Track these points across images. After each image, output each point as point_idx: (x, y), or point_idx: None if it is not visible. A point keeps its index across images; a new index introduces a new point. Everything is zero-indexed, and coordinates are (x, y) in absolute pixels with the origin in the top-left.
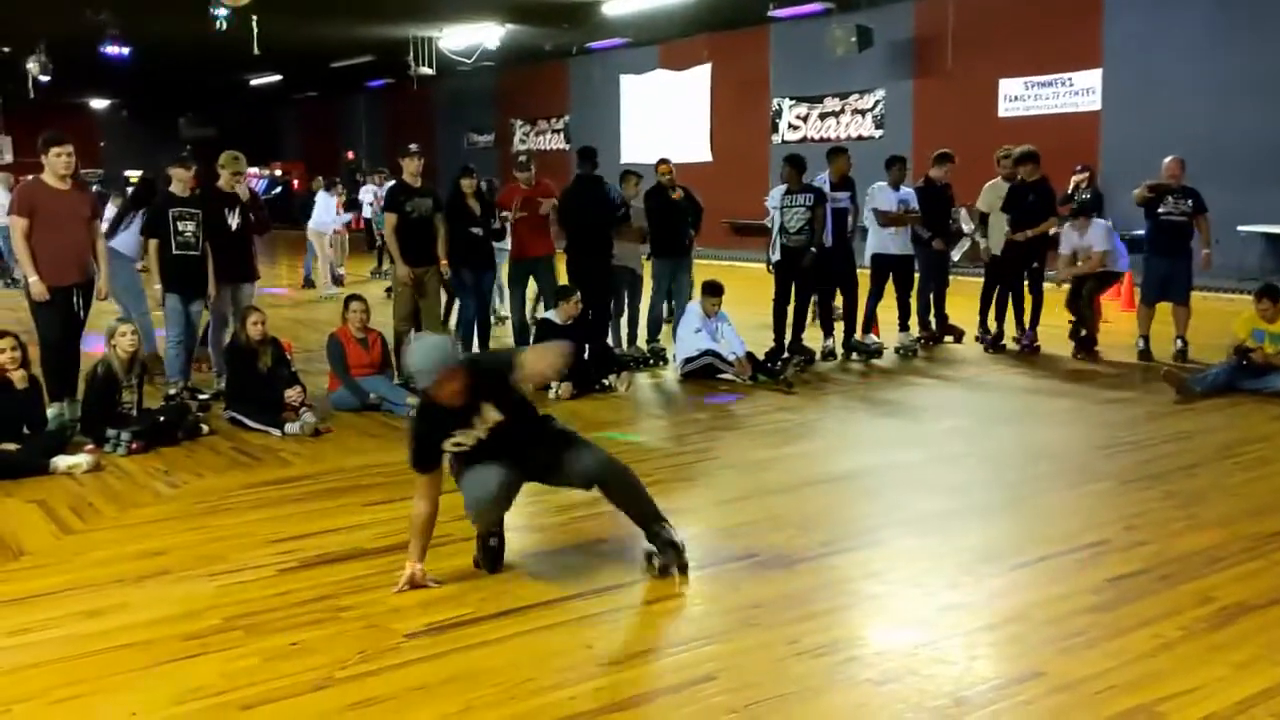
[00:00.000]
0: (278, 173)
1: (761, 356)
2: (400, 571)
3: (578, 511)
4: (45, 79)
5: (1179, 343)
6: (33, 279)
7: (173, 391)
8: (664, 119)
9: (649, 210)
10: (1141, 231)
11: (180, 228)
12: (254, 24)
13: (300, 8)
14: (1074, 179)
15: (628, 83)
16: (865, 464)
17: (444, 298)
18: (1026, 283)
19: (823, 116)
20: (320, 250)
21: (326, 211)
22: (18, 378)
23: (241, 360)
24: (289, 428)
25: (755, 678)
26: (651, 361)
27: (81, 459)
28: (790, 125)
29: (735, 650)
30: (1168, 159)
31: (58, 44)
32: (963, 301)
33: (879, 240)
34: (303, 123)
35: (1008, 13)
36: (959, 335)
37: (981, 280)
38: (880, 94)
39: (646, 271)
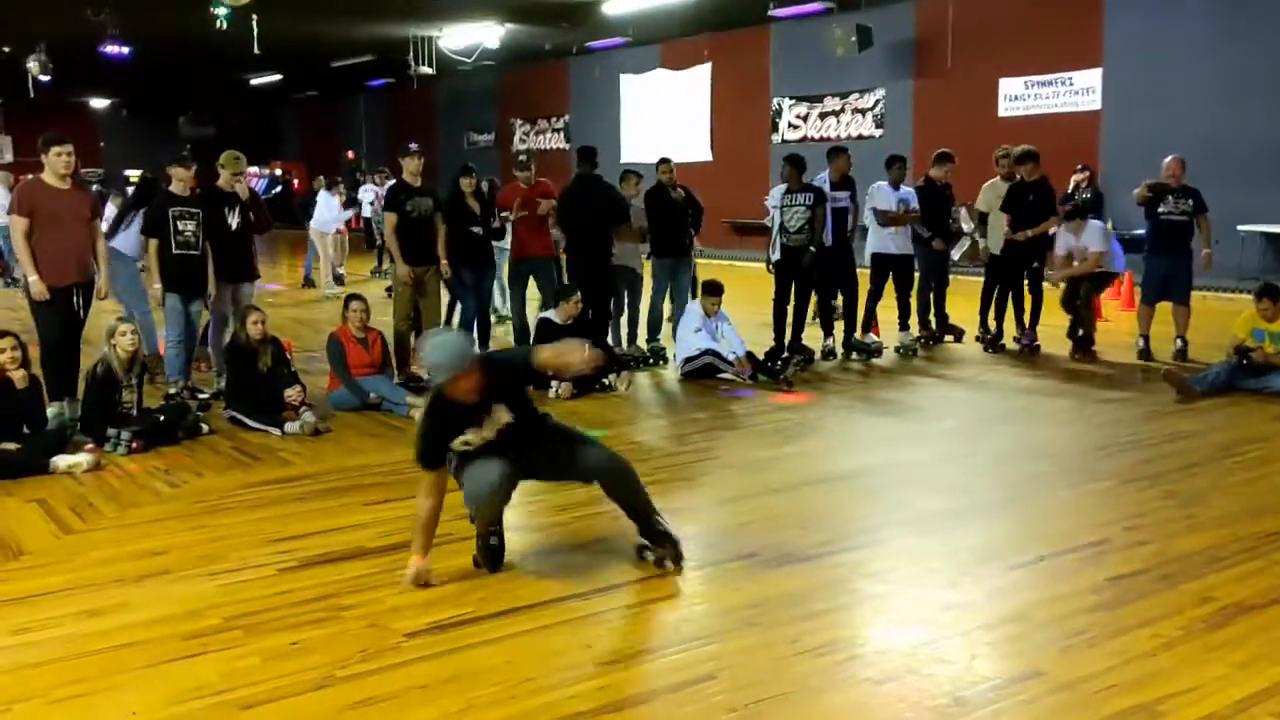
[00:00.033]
0: (278, 172)
1: (761, 356)
2: (402, 571)
3: (578, 511)
4: (45, 79)
5: (1179, 342)
6: (33, 278)
7: (173, 391)
8: (664, 118)
9: (649, 210)
10: (1141, 231)
11: (180, 227)
12: (254, 23)
13: (300, 7)
14: (1074, 178)
15: (628, 82)
16: (865, 463)
17: (445, 298)
18: (1026, 282)
19: (823, 116)
20: (322, 250)
21: (328, 210)
22: (18, 377)
23: (241, 360)
24: (289, 427)
25: (755, 677)
26: (651, 361)
27: (81, 458)
28: (790, 125)
29: (735, 649)
30: (1168, 159)
31: (58, 43)
32: (962, 301)
33: (879, 239)
34: (303, 122)
35: (1008, 12)
36: (959, 335)
37: (981, 280)
38: (880, 93)
39: (646, 271)
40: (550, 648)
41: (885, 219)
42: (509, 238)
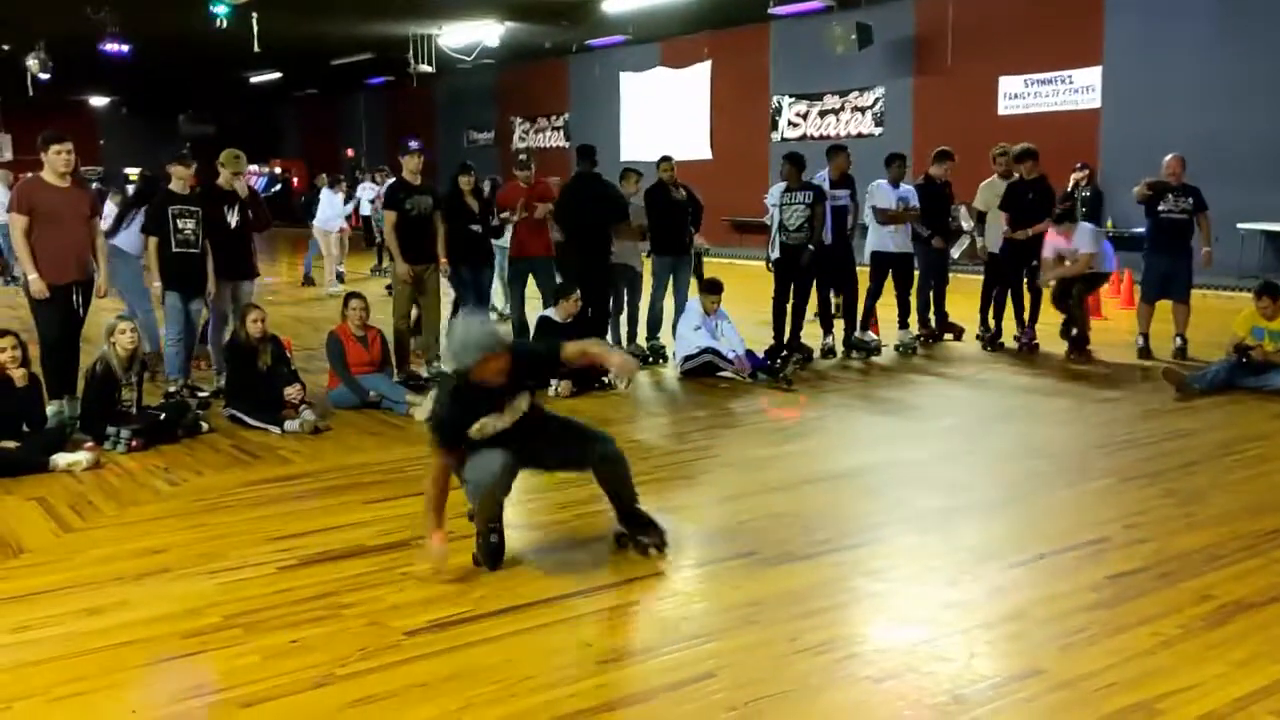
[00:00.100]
0: (277, 170)
1: (761, 354)
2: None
3: (577, 509)
4: (45, 77)
5: (1179, 340)
6: (32, 276)
7: (172, 389)
8: (664, 117)
9: (649, 208)
10: (1141, 230)
11: (180, 225)
12: (254, 21)
13: (300, 5)
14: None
15: (627, 80)
16: (865, 462)
17: (450, 295)
18: (1025, 281)
19: (822, 114)
20: (325, 248)
21: (331, 209)
22: (18, 376)
23: (241, 358)
24: (288, 425)
25: (755, 675)
26: (651, 359)
27: (81, 456)
28: (790, 123)
29: (735, 648)
30: (1168, 157)
31: (57, 42)
32: (962, 300)
33: (878, 238)
34: (303, 120)
35: (1007, 10)
36: (959, 333)
37: (981, 278)
38: (880, 91)
39: (646, 269)
40: (550, 646)
41: (885, 217)
42: (508, 236)
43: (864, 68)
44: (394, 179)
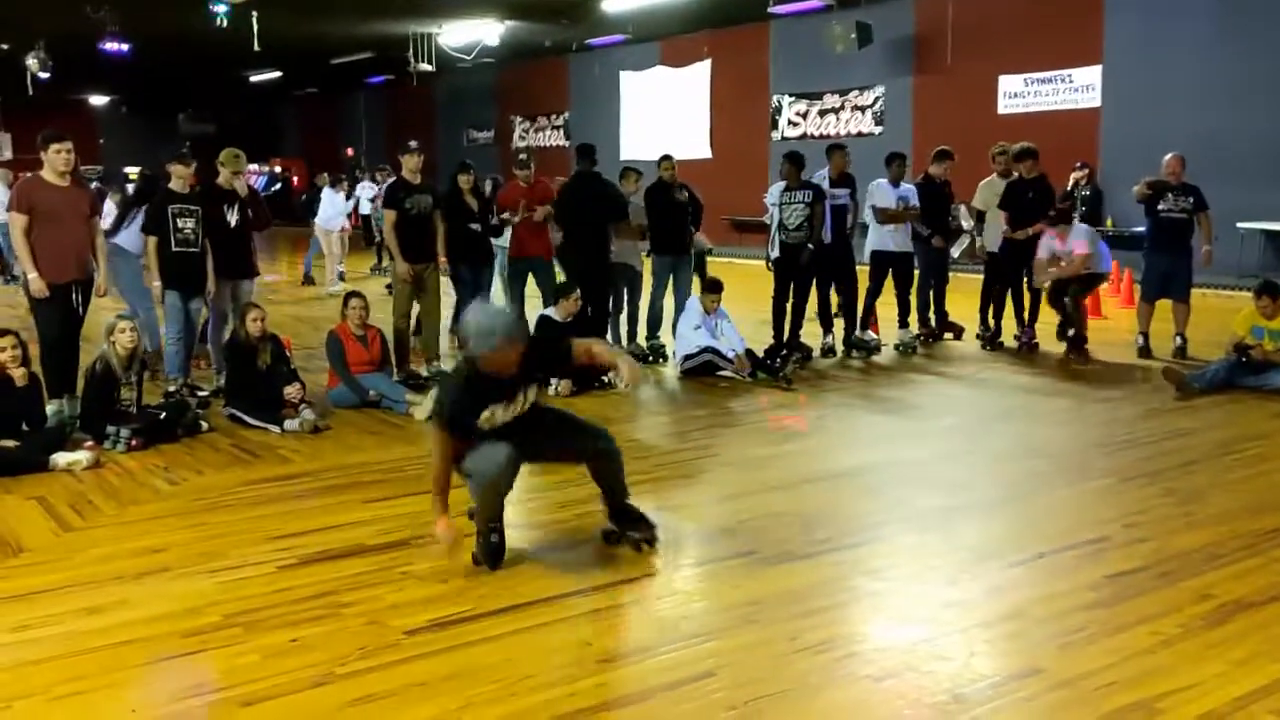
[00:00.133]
0: (277, 169)
1: (761, 353)
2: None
3: (577, 509)
4: (45, 76)
5: (1178, 340)
6: (32, 276)
7: (172, 388)
8: (664, 116)
9: (649, 207)
10: (1141, 229)
11: (180, 225)
12: (254, 20)
13: (300, 4)
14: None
15: (627, 79)
16: (865, 461)
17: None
18: (1025, 280)
19: (822, 113)
20: (327, 247)
21: (333, 207)
22: (18, 375)
23: (241, 357)
24: (288, 424)
25: (755, 674)
26: (651, 358)
27: (81, 456)
28: (790, 122)
29: (735, 647)
30: (1168, 156)
31: (57, 40)
32: (962, 299)
33: (879, 237)
34: (302, 119)
35: (1007, 9)
36: (959, 332)
37: (981, 277)
38: (880, 90)
39: (646, 268)
40: (550, 645)
41: (884, 216)
42: (507, 235)
43: (864, 67)
44: (394, 178)
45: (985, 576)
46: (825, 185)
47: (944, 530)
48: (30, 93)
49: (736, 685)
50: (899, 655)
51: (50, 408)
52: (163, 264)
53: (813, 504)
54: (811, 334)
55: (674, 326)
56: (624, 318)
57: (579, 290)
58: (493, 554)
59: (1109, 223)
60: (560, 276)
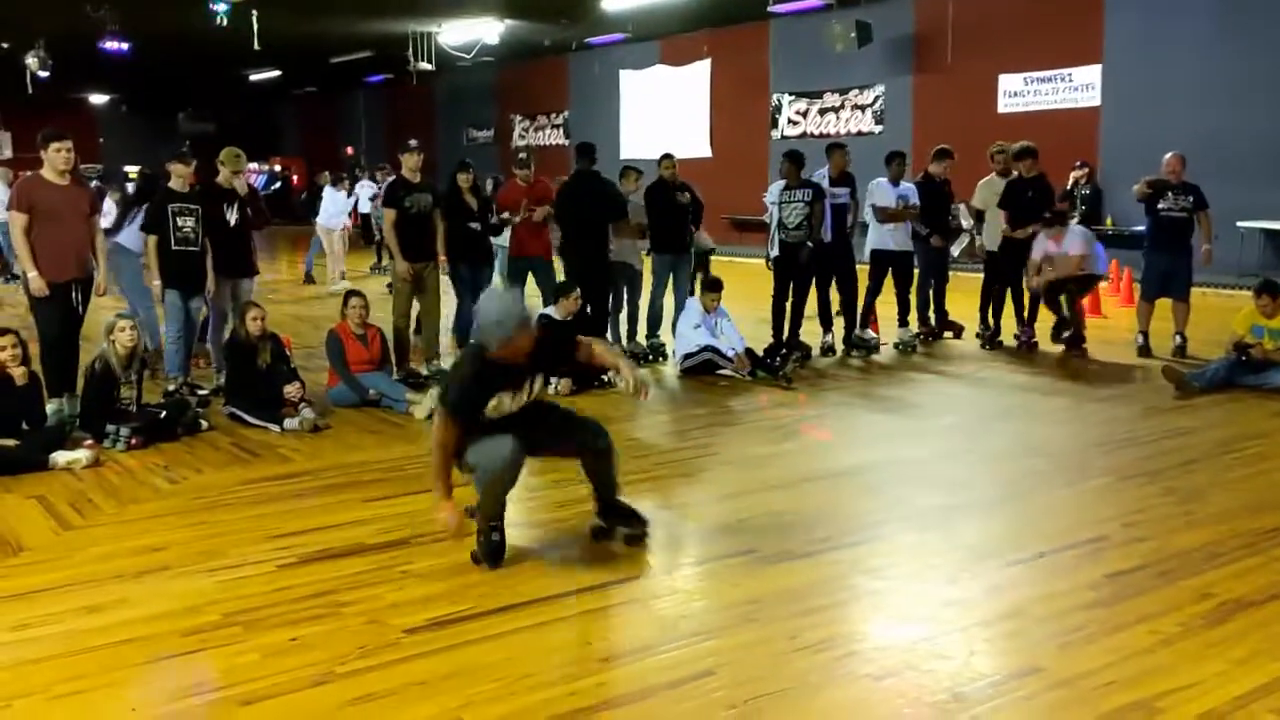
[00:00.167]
0: (277, 168)
1: (760, 352)
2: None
3: (576, 508)
4: (44, 75)
5: (1178, 339)
6: (32, 274)
7: (172, 387)
8: (664, 114)
9: (649, 206)
10: (1141, 228)
11: (179, 223)
12: (254, 19)
13: (300, 3)
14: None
15: (627, 78)
16: (864, 460)
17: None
18: (1025, 279)
19: (822, 112)
20: (329, 246)
21: (335, 206)
22: (18, 374)
23: (241, 356)
24: (288, 423)
25: (754, 673)
26: (651, 357)
27: (81, 454)
28: (790, 121)
29: (734, 645)
30: (1168, 155)
31: (57, 39)
32: (962, 298)
33: (879, 236)
34: (302, 118)
35: (1007, 8)
36: (958, 331)
37: (981, 276)
38: (880, 89)
39: (646, 267)
40: (549, 644)
41: (884, 215)
42: (507, 234)
43: (864, 65)
44: (393, 177)
45: (985, 575)
46: (825, 184)
47: (944, 529)
48: (30, 91)
49: (736, 684)
50: (899, 654)
51: (50, 407)
52: (162, 263)
53: (812, 503)
54: (811, 333)
55: (674, 325)
56: (624, 316)
57: (579, 289)
58: (493, 552)
59: (1109, 222)
60: (560, 276)
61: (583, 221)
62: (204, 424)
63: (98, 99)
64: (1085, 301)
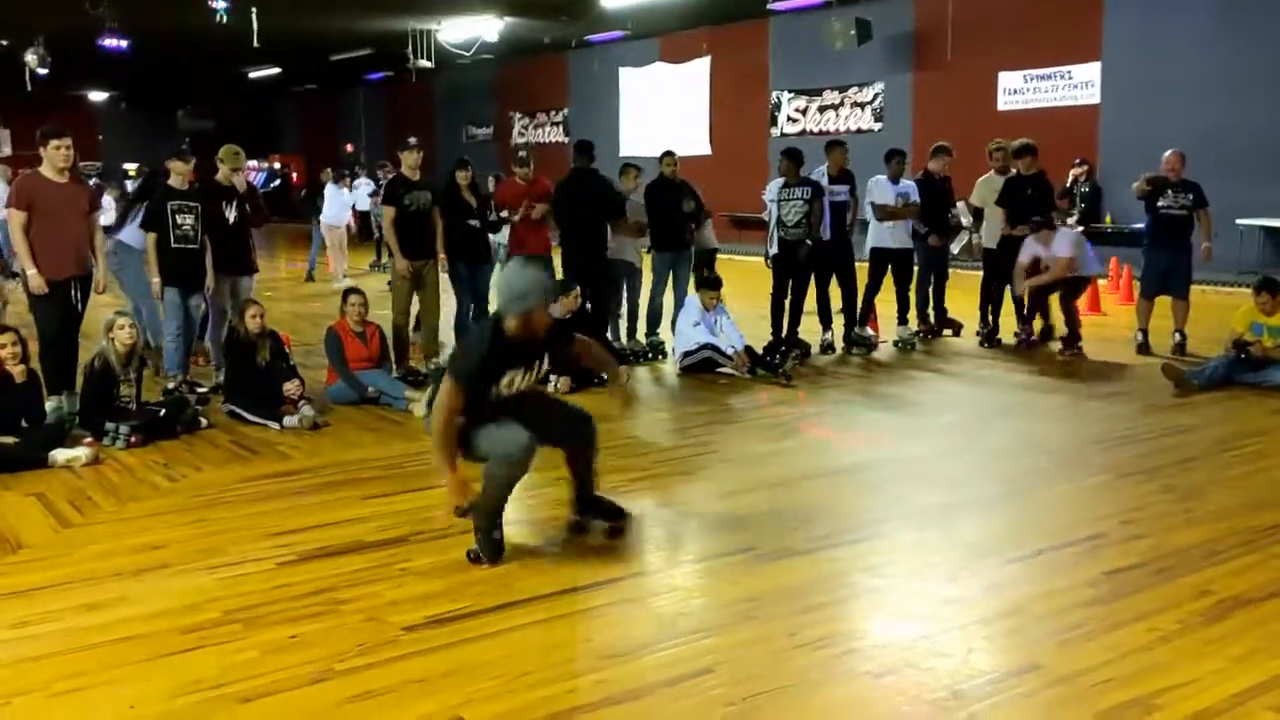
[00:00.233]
0: (276, 166)
1: (760, 350)
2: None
3: None
4: (44, 72)
5: (1177, 336)
6: (31, 272)
7: (171, 385)
8: (663, 112)
9: (649, 203)
10: (1141, 225)
11: (179, 221)
12: (253, 17)
13: (299, 1)
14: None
15: (627, 76)
16: (864, 457)
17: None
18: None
19: (822, 110)
20: (332, 243)
21: (338, 203)
22: (17, 372)
23: (240, 353)
24: (287, 421)
25: (753, 670)
26: (651, 355)
27: (80, 452)
28: (789, 118)
29: (734, 643)
30: (1167, 153)
31: (56, 37)
32: (962, 296)
33: (878, 234)
34: (301, 116)
35: (1007, 5)
36: (957, 329)
37: (980, 274)
38: (879, 87)
39: (646, 265)
40: (548, 642)
41: (884, 213)
42: (505, 231)
43: (863, 63)
44: (393, 175)
45: (984, 573)
46: (824, 182)
47: (943, 527)
48: (29, 89)
49: (735, 681)
50: (898, 651)
51: (49, 404)
52: (162, 260)
53: (812, 500)
54: (810, 330)
55: (673, 323)
56: (623, 314)
57: (579, 288)
58: (494, 550)
59: (1108, 219)
60: (560, 274)
61: (581, 219)
62: (203, 422)
63: (97, 96)
64: (1081, 301)
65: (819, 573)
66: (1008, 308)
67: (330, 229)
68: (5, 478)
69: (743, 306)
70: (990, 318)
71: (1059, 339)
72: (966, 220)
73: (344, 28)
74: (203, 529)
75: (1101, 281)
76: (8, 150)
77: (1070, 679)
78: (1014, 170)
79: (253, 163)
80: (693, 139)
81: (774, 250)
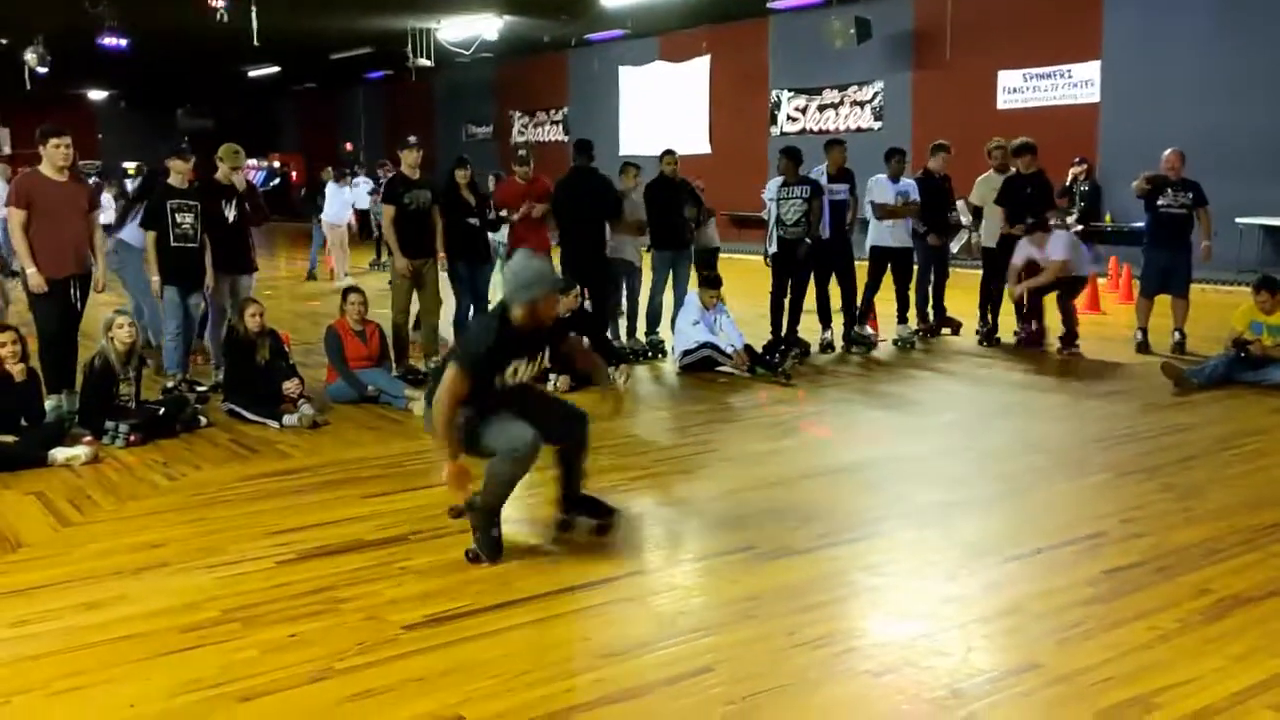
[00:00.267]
0: (276, 164)
1: (760, 349)
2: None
3: None
4: (43, 71)
5: (1177, 335)
6: (30, 271)
7: (171, 384)
8: (663, 111)
9: (649, 202)
10: (1140, 224)
11: (178, 220)
12: (253, 15)
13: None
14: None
15: (626, 74)
16: (864, 456)
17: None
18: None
19: (821, 108)
20: (334, 241)
21: (339, 202)
22: (17, 371)
23: (240, 352)
24: (287, 420)
25: (753, 669)
26: (650, 354)
27: (80, 451)
28: (789, 117)
29: (733, 642)
30: (1167, 151)
31: (56, 35)
32: (962, 295)
33: (878, 232)
34: (301, 114)
35: (1007, 4)
36: (957, 327)
37: (980, 273)
38: (879, 86)
39: (645, 264)
40: (548, 640)
41: (883, 212)
42: (505, 230)
43: (863, 62)
44: (393, 173)
45: (983, 572)
46: (823, 180)
47: (943, 525)
48: (29, 87)
49: (735, 680)
50: (897, 650)
51: (49, 403)
52: (162, 259)
53: (811, 499)
54: (810, 329)
55: (673, 322)
56: (624, 312)
57: (578, 287)
58: (493, 549)
59: (1108, 218)
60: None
61: (580, 218)
62: (203, 420)
63: (96, 95)
64: (1080, 300)
65: (818, 571)
66: (1007, 307)
67: (331, 227)
68: (5, 476)
69: (742, 305)
70: (989, 317)
71: (1058, 338)
72: (966, 219)
73: (344, 26)
74: (202, 528)
75: (1101, 280)
76: (7, 149)
77: (1070, 677)
78: (1013, 169)
79: (252, 161)
80: (692, 138)
81: (773, 249)
